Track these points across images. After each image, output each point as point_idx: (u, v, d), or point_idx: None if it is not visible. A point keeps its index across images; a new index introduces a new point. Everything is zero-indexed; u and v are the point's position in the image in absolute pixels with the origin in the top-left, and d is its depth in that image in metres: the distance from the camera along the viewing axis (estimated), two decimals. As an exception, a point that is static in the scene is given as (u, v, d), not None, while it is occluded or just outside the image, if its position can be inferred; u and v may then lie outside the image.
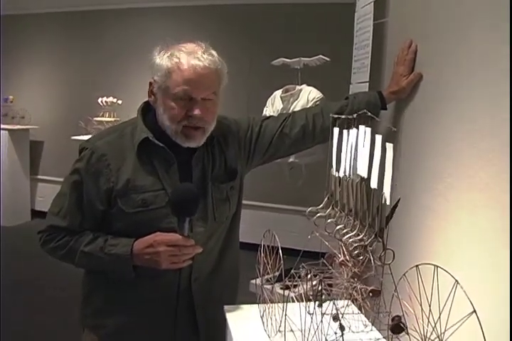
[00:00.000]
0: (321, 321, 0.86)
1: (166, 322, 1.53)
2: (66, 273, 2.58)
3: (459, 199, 1.28)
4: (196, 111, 1.39)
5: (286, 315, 1.02)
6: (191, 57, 1.38)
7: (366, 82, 1.89)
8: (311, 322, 0.92)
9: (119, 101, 5.24)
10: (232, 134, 1.62)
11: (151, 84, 1.45)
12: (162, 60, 1.40)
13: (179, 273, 1.49)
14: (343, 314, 1.16)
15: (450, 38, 1.34)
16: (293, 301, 1.10)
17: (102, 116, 5.24)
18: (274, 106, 3.98)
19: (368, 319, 1.16)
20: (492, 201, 1.14)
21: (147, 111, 1.53)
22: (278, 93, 3.99)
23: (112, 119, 5.23)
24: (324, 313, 0.94)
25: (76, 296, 1.64)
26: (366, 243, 0.90)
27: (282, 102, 3.86)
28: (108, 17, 5.71)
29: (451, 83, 1.33)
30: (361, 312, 1.19)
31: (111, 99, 5.22)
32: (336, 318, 0.84)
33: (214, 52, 1.43)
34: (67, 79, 5.92)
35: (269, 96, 4.05)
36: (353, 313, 1.18)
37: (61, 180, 1.51)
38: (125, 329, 1.54)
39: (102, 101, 5.21)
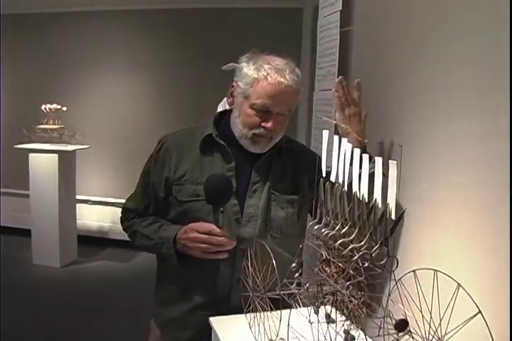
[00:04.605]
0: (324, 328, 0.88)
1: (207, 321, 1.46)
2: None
3: (435, 202, 1.33)
4: (269, 124, 1.50)
5: (288, 325, 1.02)
6: (279, 74, 1.46)
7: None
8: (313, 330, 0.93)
9: (64, 108, 5.07)
10: (312, 163, 1.61)
11: (233, 86, 1.57)
12: (250, 69, 1.49)
13: (217, 269, 1.52)
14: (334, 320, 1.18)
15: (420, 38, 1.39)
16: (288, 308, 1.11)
17: (46, 123, 5.05)
18: (225, 111, 3.99)
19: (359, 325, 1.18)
20: (469, 203, 1.19)
21: (221, 118, 1.66)
22: (229, 98, 4.00)
23: (57, 127, 5.06)
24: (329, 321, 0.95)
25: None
26: (372, 252, 0.92)
27: (233, 107, 3.88)
28: (52, 21, 5.54)
29: (426, 86, 1.38)
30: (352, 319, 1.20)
31: (55, 105, 5.03)
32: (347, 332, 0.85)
33: (299, 72, 1.51)
34: (8, 85, 5.71)
35: (219, 101, 4.07)
36: (345, 320, 1.19)
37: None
38: (170, 321, 1.64)
39: (45, 108, 5.02)
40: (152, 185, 1.63)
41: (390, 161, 0.89)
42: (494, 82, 1.09)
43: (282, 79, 1.45)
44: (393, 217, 0.91)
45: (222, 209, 1.44)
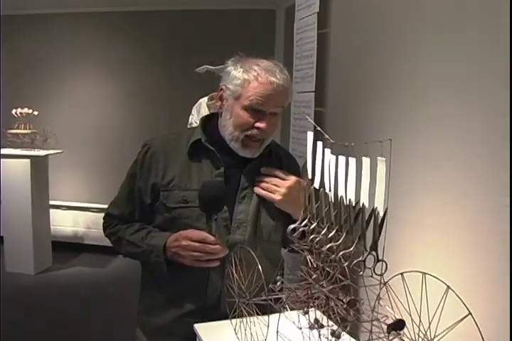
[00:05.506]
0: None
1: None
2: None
3: (414, 204, 1.34)
4: (263, 125, 1.47)
5: (278, 331, 1.01)
6: (269, 73, 1.45)
7: (312, 91, 1.93)
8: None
9: (35, 112, 4.98)
10: (296, 170, 1.69)
11: (221, 89, 1.53)
12: (239, 71, 1.47)
13: (208, 276, 1.50)
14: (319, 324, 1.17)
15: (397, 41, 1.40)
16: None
17: (17, 128, 4.95)
18: (199, 113, 3.97)
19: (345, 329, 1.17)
20: (449, 204, 1.20)
21: (208, 122, 1.63)
22: (203, 100, 3.98)
23: (28, 131, 4.96)
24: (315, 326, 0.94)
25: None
26: (363, 259, 0.91)
27: (209, 110, 3.86)
28: (21, 24, 5.44)
29: (404, 90, 1.39)
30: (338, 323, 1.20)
31: (26, 110, 4.93)
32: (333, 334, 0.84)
33: (287, 72, 1.51)
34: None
35: (193, 103, 4.05)
36: (332, 325, 1.19)
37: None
38: (157, 329, 1.60)
39: (16, 113, 4.92)
40: (138, 191, 1.58)
41: (378, 158, 0.88)
42: (484, 84, 1.09)
43: (273, 79, 1.44)
44: (381, 215, 0.90)
45: (215, 216, 1.41)
